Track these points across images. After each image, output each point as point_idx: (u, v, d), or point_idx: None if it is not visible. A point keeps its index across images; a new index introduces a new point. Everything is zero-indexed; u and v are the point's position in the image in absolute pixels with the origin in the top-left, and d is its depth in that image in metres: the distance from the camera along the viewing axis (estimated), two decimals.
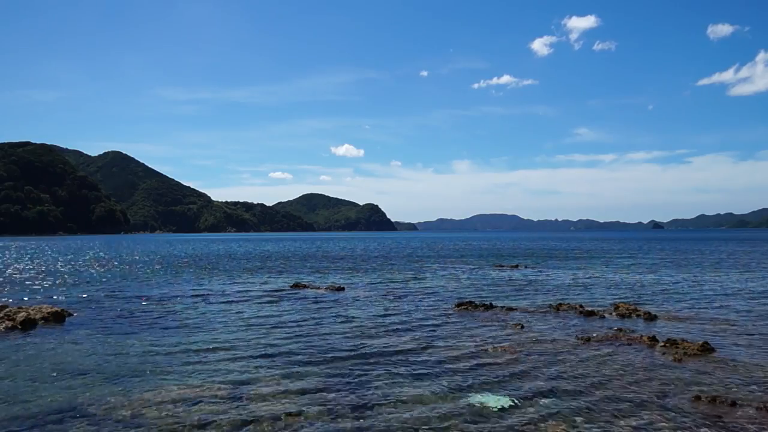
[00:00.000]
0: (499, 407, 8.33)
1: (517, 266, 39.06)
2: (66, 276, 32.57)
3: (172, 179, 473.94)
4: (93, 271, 37.12)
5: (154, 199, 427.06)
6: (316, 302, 20.17)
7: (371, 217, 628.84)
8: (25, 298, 21.23)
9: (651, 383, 9.57)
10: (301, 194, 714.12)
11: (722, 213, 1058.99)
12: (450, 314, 17.31)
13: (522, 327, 14.75)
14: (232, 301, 20.48)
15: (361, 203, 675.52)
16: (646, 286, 25.74)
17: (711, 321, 16.00)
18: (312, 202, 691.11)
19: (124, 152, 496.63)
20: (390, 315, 17.21)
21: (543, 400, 8.62)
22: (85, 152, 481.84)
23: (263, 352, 11.92)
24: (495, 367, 10.64)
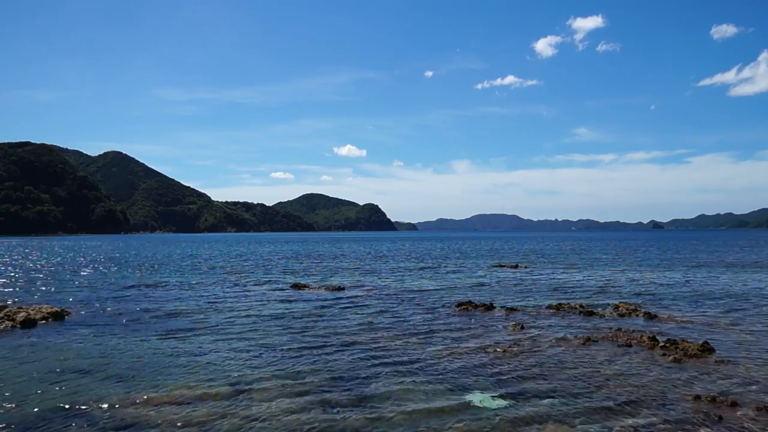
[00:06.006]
0: (498, 407, 8.33)
1: (517, 266, 39.03)
2: (66, 276, 32.56)
3: (172, 179, 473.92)
4: (93, 271, 37.11)
5: (154, 199, 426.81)
6: (316, 302, 20.17)
7: (371, 217, 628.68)
8: (26, 299, 21.23)
9: (651, 383, 9.57)
10: (301, 194, 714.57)
11: (722, 213, 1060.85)
12: (450, 314, 17.30)
13: (522, 327, 14.74)
14: (232, 302, 20.47)
15: (361, 203, 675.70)
16: (647, 285, 25.72)
17: (711, 321, 16.00)
18: (312, 202, 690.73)
19: (124, 152, 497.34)
20: (389, 315, 17.20)
21: (542, 400, 8.63)
22: (85, 152, 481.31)
23: (263, 353, 11.93)
24: (494, 367, 10.64)
